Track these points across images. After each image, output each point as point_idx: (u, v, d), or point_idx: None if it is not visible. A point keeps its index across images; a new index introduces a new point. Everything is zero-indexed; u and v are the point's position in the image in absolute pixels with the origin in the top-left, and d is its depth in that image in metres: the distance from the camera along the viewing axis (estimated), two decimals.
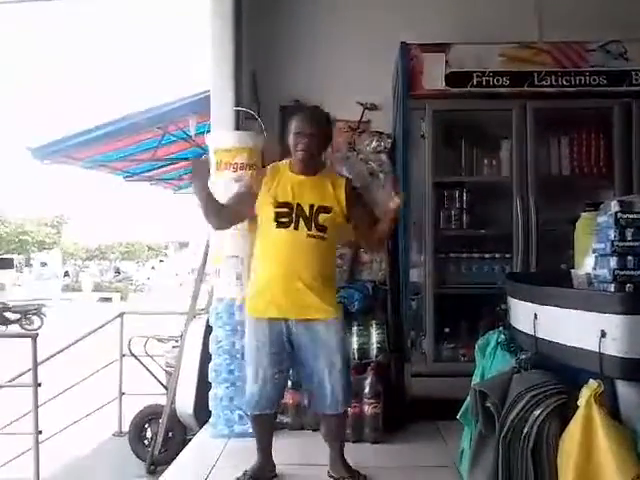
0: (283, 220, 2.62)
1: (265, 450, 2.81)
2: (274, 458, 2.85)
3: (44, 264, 31.69)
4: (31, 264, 31.98)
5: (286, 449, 3.12)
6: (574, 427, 1.67)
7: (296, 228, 2.62)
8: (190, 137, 6.20)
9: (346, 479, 2.74)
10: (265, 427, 2.81)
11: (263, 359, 2.65)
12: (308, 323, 2.62)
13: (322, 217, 2.64)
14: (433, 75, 3.65)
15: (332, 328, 2.64)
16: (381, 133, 4.17)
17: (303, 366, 2.71)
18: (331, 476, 2.80)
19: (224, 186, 3.45)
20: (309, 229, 2.62)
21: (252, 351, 2.70)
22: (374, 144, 4.14)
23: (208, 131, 3.84)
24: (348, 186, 2.76)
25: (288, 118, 2.77)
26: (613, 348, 1.69)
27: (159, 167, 8.03)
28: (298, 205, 2.64)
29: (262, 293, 2.67)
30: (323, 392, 2.67)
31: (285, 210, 2.63)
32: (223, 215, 2.76)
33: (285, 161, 2.79)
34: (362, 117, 4.31)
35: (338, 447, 2.82)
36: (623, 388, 1.73)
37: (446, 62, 3.64)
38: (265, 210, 2.67)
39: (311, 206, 2.64)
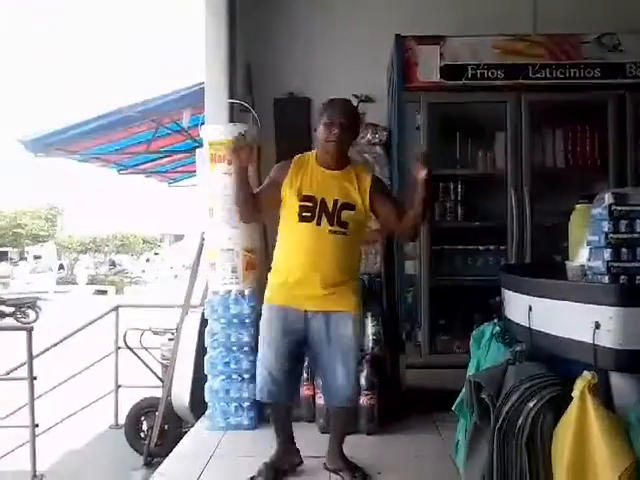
0: (306, 214, 2.61)
1: (282, 439, 2.81)
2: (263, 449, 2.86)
3: (38, 257, 31.61)
4: (26, 257, 31.88)
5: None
6: (568, 418, 1.68)
7: (319, 224, 2.60)
8: (184, 130, 6.19)
9: (344, 471, 2.75)
10: (280, 416, 2.80)
11: (279, 348, 2.65)
12: (326, 315, 2.63)
13: (345, 214, 2.63)
14: (428, 68, 3.65)
15: (349, 322, 2.65)
16: (376, 125, 4.17)
17: (317, 358, 2.71)
18: (327, 468, 2.81)
19: (219, 179, 3.46)
20: (331, 225, 2.61)
21: (267, 339, 2.68)
22: (369, 136, 4.14)
23: (202, 124, 3.83)
24: (374, 184, 2.73)
25: (323, 108, 2.71)
26: (607, 340, 1.70)
27: (153, 160, 8.02)
28: (322, 200, 2.62)
29: (283, 284, 2.67)
30: (335, 385, 2.67)
31: (309, 204, 2.62)
32: (254, 204, 2.71)
33: (312, 152, 2.77)
34: (357, 109, 4.30)
35: (340, 440, 2.83)
36: (617, 379, 1.74)
37: (441, 55, 3.64)
38: (289, 202, 2.66)
39: (335, 202, 2.62)
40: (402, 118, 3.71)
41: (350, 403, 2.74)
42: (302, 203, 2.62)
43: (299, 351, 2.71)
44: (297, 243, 2.65)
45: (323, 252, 2.60)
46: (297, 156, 2.77)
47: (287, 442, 2.82)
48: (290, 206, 2.65)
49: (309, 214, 2.62)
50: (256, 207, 2.72)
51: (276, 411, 2.80)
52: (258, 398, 2.79)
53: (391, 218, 2.73)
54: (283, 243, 2.73)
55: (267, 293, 2.74)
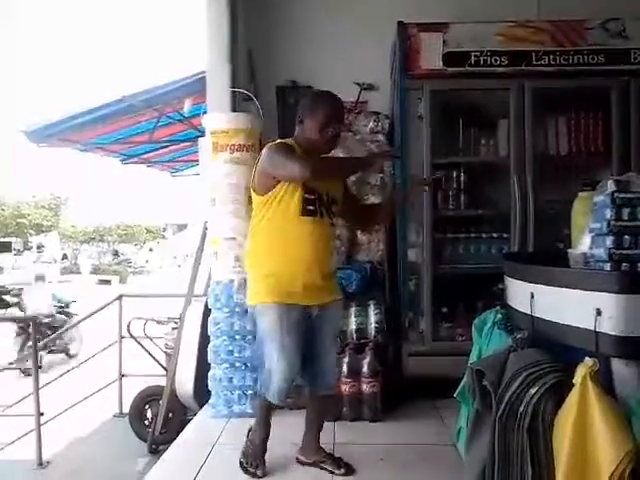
0: (310, 208, 2.53)
1: (268, 429, 2.75)
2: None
3: (42, 247, 31.67)
4: (29, 247, 31.95)
5: (280, 428, 3.16)
6: (570, 404, 1.69)
7: (322, 216, 2.58)
8: (186, 119, 6.18)
9: (326, 462, 2.72)
10: (272, 413, 2.74)
11: (292, 347, 2.52)
12: (323, 306, 2.63)
13: (334, 206, 2.65)
14: (431, 55, 3.62)
15: (339, 309, 2.75)
16: (378, 113, 4.15)
17: (312, 348, 2.64)
18: (303, 462, 2.77)
19: (221, 168, 3.46)
20: (330, 218, 2.62)
21: (280, 337, 2.52)
22: (371, 124, 4.12)
23: (204, 112, 3.82)
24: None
25: (320, 100, 2.65)
26: (609, 326, 1.70)
27: (156, 149, 8.00)
28: (319, 193, 2.57)
29: (288, 281, 2.54)
30: (327, 372, 2.70)
31: (312, 197, 2.54)
32: None
33: (292, 141, 2.62)
34: (359, 97, 4.29)
35: (318, 429, 2.80)
36: (618, 366, 1.74)
37: (444, 42, 3.62)
38: (287, 194, 2.51)
39: (327, 195, 2.61)
40: (404, 106, 3.70)
41: (335, 389, 2.83)
42: (306, 196, 2.52)
43: (304, 346, 2.60)
44: (300, 237, 2.53)
45: (323, 245, 2.61)
46: (287, 144, 2.60)
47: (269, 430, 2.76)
48: (289, 198, 2.51)
49: (312, 207, 2.54)
50: None
51: (273, 409, 2.71)
52: (277, 402, 2.61)
53: (355, 205, 2.86)
54: (278, 238, 2.56)
55: (268, 293, 2.55)
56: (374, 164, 2.78)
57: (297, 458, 2.79)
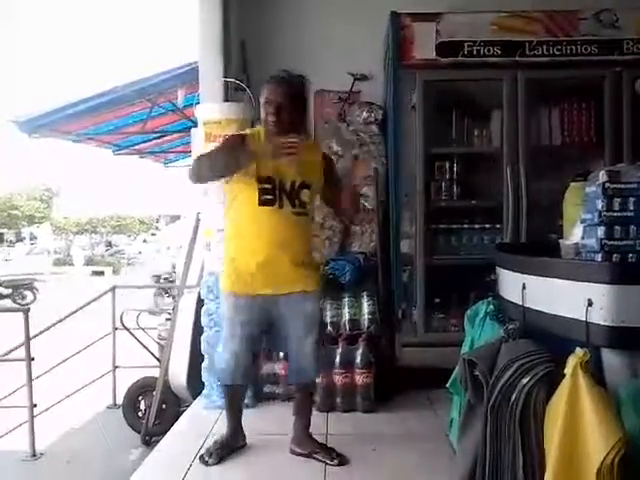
0: (267, 197, 2.52)
1: (235, 420, 2.83)
2: (258, 427, 2.91)
3: (34, 238, 31.54)
4: (22, 239, 31.82)
5: (274, 419, 3.20)
6: (561, 394, 1.69)
7: (281, 206, 2.54)
8: (179, 109, 6.15)
9: (319, 453, 2.72)
10: (236, 398, 2.83)
11: (242, 333, 2.63)
12: (291, 295, 2.61)
13: (304, 193, 2.58)
14: (424, 45, 3.61)
15: (311, 299, 2.65)
16: (372, 104, 4.14)
17: (282, 337, 2.71)
18: (298, 453, 2.77)
19: None
20: (293, 206, 2.56)
21: (233, 326, 2.64)
22: (365, 115, 4.11)
23: (197, 103, 3.80)
24: (326, 161, 2.74)
25: (264, 84, 2.62)
26: (600, 317, 1.71)
27: (148, 140, 7.97)
28: (280, 181, 2.53)
29: (245, 271, 2.59)
30: (300, 362, 2.69)
31: (268, 187, 2.52)
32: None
33: (258, 129, 2.65)
34: (352, 87, 4.27)
35: (307, 421, 2.81)
36: (608, 356, 1.75)
37: (437, 32, 3.60)
38: (244, 184, 2.54)
39: (292, 182, 2.55)
40: (398, 96, 3.69)
41: (314, 379, 2.83)
42: (261, 185, 2.52)
43: (261, 334, 2.73)
44: (259, 228, 2.55)
45: (288, 235, 2.56)
46: (247, 133, 2.66)
47: (238, 423, 2.84)
48: (247, 189, 2.53)
49: (270, 197, 2.53)
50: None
51: (235, 394, 2.80)
52: (224, 382, 2.79)
53: (333, 192, 2.75)
54: (241, 229, 2.62)
55: (227, 282, 2.65)
56: (252, 158, 2.50)
57: (290, 448, 2.79)
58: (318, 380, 3.11)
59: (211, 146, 3.41)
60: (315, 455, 2.73)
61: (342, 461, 2.68)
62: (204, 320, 3.48)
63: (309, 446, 2.76)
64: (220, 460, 2.70)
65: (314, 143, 2.77)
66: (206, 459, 2.69)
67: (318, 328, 2.71)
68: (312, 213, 2.75)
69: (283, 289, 2.60)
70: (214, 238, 3.48)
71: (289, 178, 2.55)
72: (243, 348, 2.65)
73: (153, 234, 36.67)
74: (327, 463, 2.68)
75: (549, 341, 1.94)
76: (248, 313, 2.61)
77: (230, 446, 2.78)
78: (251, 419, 2.82)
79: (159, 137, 7.78)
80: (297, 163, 2.53)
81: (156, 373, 4.11)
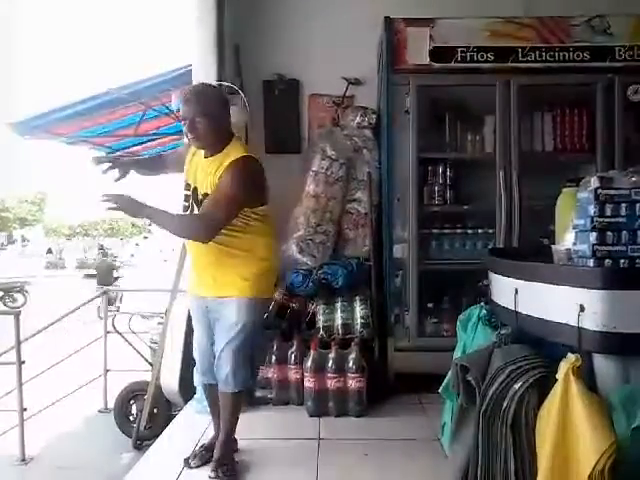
0: (185, 204, 2.63)
1: (216, 421, 2.82)
2: (250, 431, 2.89)
3: (26, 241, 31.39)
4: (13, 241, 31.68)
5: (265, 423, 3.21)
6: (552, 400, 1.70)
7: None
8: (173, 112, 6.13)
9: (212, 462, 2.64)
10: (212, 397, 2.81)
11: (196, 331, 2.79)
12: (218, 299, 2.63)
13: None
14: (417, 50, 3.63)
15: (234, 306, 2.58)
16: (365, 108, 4.15)
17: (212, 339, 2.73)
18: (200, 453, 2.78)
19: None
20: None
21: (194, 326, 2.82)
22: (358, 119, 4.12)
23: None
24: (229, 168, 2.49)
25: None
26: (591, 322, 1.72)
27: (142, 143, 7.94)
28: (194, 189, 2.60)
29: (190, 273, 2.79)
30: (219, 367, 2.63)
31: (187, 193, 2.63)
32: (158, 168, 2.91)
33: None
34: (346, 92, 4.28)
35: (224, 428, 2.71)
36: (600, 361, 1.76)
37: (430, 37, 3.62)
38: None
39: (196, 190, 2.59)
40: (391, 101, 3.70)
41: (232, 388, 2.63)
42: (185, 192, 2.63)
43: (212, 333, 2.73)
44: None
45: (202, 248, 2.55)
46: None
47: (216, 422, 2.84)
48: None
49: (187, 203, 2.62)
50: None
51: (212, 393, 2.79)
52: (204, 382, 2.83)
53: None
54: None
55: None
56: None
57: (200, 447, 2.85)
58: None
59: None
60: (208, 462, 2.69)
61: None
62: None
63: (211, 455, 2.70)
64: (203, 463, 2.69)
65: (236, 148, 2.59)
66: (189, 462, 2.71)
67: (244, 338, 2.59)
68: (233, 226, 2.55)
69: (212, 291, 2.65)
70: None
71: (199, 186, 2.59)
72: (201, 345, 2.77)
73: (145, 237, 36.59)
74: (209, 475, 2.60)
75: (541, 346, 1.95)
76: (196, 313, 2.77)
77: (209, 446, 2.77)
78: (242, 424, 2.80)
79: (153, 139, 7.75)
80: (205, 172, 2.57)
81: (147, 377, 4.09)
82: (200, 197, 2.57)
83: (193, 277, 2.75)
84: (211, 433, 2.92)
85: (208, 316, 2.71)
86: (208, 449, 2.75)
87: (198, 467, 2.68)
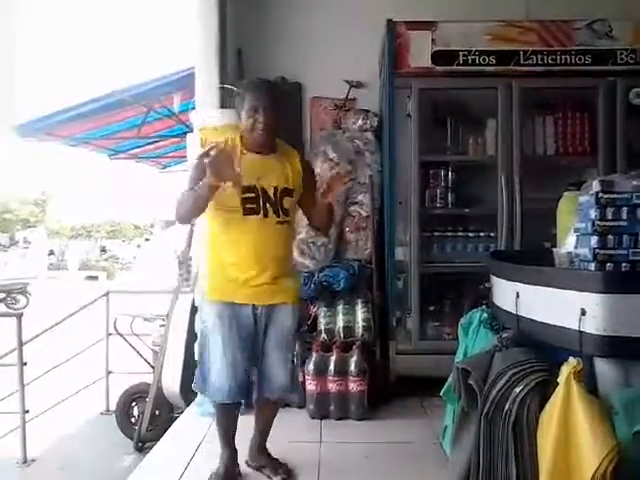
0: (251, 206, 2.45)
1: (231, 444, 2.66)
2: (250, 434, 2.79)
3: (28, 243, 31.39)
4: (15, 243, 31.69)
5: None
6: (554, 404, 1.70)
7: (265, 215, 2.46)
8: (175, 114, 6.14)
9: (267, 468, 2.68)
10: (232, 418, 2.64)
11: (239, 345, 2.48)
12: (270, 307, 2.53)
13: (286, 201, 2.50)
14: (419, 53, 3.63)
15: (291, 313, 2.56)
16: (367, 111, 4.16)
17: (259, 349, 2.57)
18: (249, 465, 2.74)
19: None
20: (277, 215, 2.48)
21: (224, 338, 2.48)
22: (360, 122, 4.13)
23: (193, 108, 3.81)
24: (304, 163, 2.63)
25: (244, 92, 2.51)
26: (593, 326, 1.72)
27: (144, 145, 7.96)
28: (263, 189, 2.46)
29: (230, 281, 2.50)
30: (275, 376, 2.56)
31: (252, 195, 2.44)
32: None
33: (234, 136, 2.56)
34: (348, 95, 4.29)
35: (260, 433, 2.74)
36: (601, 365, 1.76)
37: (432, 40, 3.63)
38: (227, 195, 2.41)
39: (275, 189, 2.48)
40: (393, 104, 3.70)
41: (291, 392, 2.65)
42: (244, 195, 2.43)
43: (250, 346, 2.53)
44: (243, 238, 2.47)
45: (272, 245, 2.48)
46: (220, 143, 2.48)
47: (233, 444, 2.67)
48: (229, 199, 2.42)
49: (254, 206, 2.45)
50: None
51: (230, 413, 2.62)
52: (220, 400, 2.54)
53: (311, 199, 2.61)
54: (224, 238, 2.52)
55: (210, 291, 2.56)
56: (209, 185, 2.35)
57: (246, 461, 2.75)
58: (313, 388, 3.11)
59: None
60: (262, 469, 2.69)
61: (286, 478, 2.63)
62: (198, 326, 3.47)
63: (260, 460, 2.72)
64: None
65: (288, 148, 2.63)
66: None
67: (292, 342, 2.62)
68: (294, 221, 2.65)
69: (265, 300, 2.51)
70: None
71: (271, 185, 2.48)
72: (243, 361, 2.50)
73: (147, 239, 36.61)
74: (271, 478, 2.64)
75: (542, 350, 1.94)
76: (236, 322, 2.49)
77: (234, 475, 2.64)
78: (243, 426, 2.80)
79: (155, 142, 7.77)
80: (276, 168, 2.50)
81: (149, 379, 4.09)
82: (279, 193, 2.48)
83: (234, 284, 2.49)
84: (212, 437, 2.86)
85: (254, 325, 2.52)
86: (228, 476, 2.62)
87: None
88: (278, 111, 2.51)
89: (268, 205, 2.47)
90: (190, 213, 2.53)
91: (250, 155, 2.50)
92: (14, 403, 4.09)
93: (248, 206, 2.45)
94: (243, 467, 2.71)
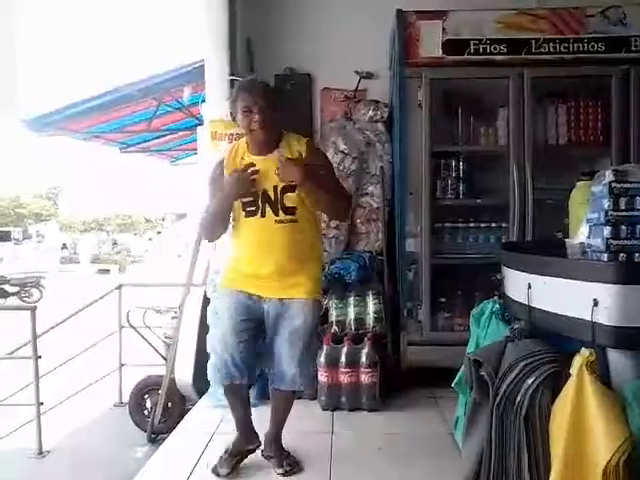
0: (250, 209, 2.53)
1: (242, 423, 2.72)
2: (264, 426, 2.78)
3: (41, 236, 31.66)
4: (29, 237, 31.96)
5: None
6: (566, 395, 1.69)
7: (263, 215, 2.51)
8: (185, 107, 6.15)
9: (274, 458, 2.69)
10: (238, 399, 2.69)
11: (239, 330, 2.55)
12: (280, 301, 2.56)
13: (288, 198, 2.50)
14: (430, 43, 3.60)
15: (301, 308, 2.56)
16: (378, 102, 4.14)
17: (269, 342, 2.63)
18: (263, 454, 2.75)
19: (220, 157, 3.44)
20: (276, 215, 2.51)
21: (226, 323, 2.58)
22: (370, 113, 4.11)
23: (203, 101, 3.81)
24: (309, 147, 2.58)
25: (236, 92, 2.54)
26: (605, 317, 1.70)
27: (155, 138, 7.98)
28: (263, 190, 2.50)
29: (240, 272, 2.61)
30: (283, 368, 2.59)
31: (251, 198, 2.52)
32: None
33: (242, 140, 2.64)
34: (358, 86, 4.27)
35: (275, 423, 2.75)
36: (614, 356, 1.74)
37: (443, 29, 3.60)
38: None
39: (275, 188, 2.50)
40: (404, 94, 3.68)
41: (298, 387, 2.65)
42: (244, 199, 2.52)
43: (257, 332, 2.61)
44: (246, 237, 2.58)
45: (275, 244, 2.51)
46: (226, 153, 2.68)
47: (247, 426, 2.73)
48: (236, 202, 2.55)
49: (253, 207, 2.52)
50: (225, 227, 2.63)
51: (235, 395, 2.67)
52: (217, 382, 2.67)
53: (320, 183, 2.52)
54: (235, 236, 2.64)
55: (224, 280, 2.70)
56: (235, 189, 2.52)
57: (261, 450, 2.75)
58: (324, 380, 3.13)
59: (218, 145, 3.44)
60: (270, 459, 2.71)
61: (288, 472, 2.63)
62: (210, 318, 3.49)
63: (270, 450, 2.73)
64: (232, 469, 2.63)
65: (294, 135, 2.62)
66: (218, 470, 2.64)
67: (306, 337, 2.58)
68: (309, 218, 2.59)
69: (270, 293, 2.57)
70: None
71: (271, 184, 2.50)
72: (239, 345, 2.55)
73: (159, 232, 36.78)
74: (275, 471, 2.65)
75: (555, 341, 1.93)
76: (240, 309, 2.57)
77: (240, 452, 2.69)
78: (256, 417, 2.81)
79: (165, 135, 7.79)
80: (275, 166, 2.47)
81: (162, 371, 4.12)
82: (279, 192, 2.50)
83: (251, 278, 2.58)
84: (225, 428, 2.92)
85: (261, 315, 2.59)
86: (234, 453, 2.68)
87: (228, 475, 2.61)
88: (274, 108, 2.50)
89: (267, 206, 2.52)
90: (215, 227, 2.63)
91: (250, 159, 2.56)
92: (29, 395, 4.13)
93: (248, 209, 2.54)
94: (257, 455, 2.73)
